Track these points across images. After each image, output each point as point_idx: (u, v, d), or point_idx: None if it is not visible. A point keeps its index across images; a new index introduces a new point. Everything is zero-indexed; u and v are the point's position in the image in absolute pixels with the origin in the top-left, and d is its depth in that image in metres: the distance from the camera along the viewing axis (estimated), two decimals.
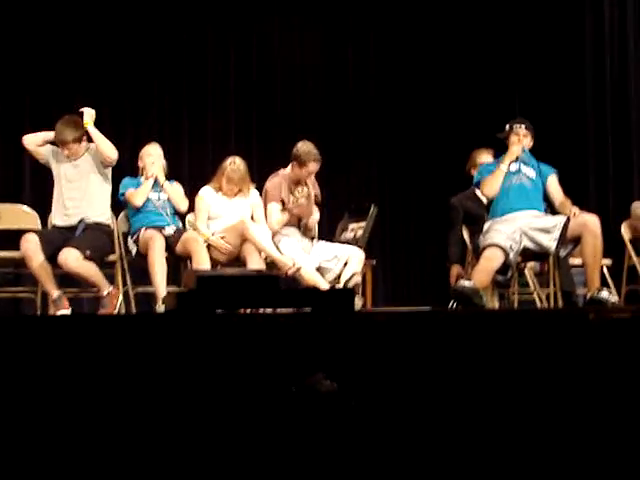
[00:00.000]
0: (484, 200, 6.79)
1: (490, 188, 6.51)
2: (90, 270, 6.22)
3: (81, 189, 6.45)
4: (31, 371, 3.82)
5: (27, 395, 3.76)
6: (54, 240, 6.28)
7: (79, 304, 7.25)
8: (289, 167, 6.94)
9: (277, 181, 6.87)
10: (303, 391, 3.85)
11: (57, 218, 6.45)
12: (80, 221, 6.38)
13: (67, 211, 6.43)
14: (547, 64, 9.38)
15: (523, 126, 6.68)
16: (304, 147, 6.83)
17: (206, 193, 6.89)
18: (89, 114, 6.52)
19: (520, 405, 4.28)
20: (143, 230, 6.51)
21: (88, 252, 6.23)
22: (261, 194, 6.98)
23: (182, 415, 3.82)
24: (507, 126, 6.74)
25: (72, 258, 6.14)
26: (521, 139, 6.64)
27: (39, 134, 6.55)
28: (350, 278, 6.68)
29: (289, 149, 7.33)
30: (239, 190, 6.90)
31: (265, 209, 6.88)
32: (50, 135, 6.52)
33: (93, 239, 6.33)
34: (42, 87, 8.54)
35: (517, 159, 6.55)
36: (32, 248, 6.16)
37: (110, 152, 6.48)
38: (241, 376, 3.98)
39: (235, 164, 6.89)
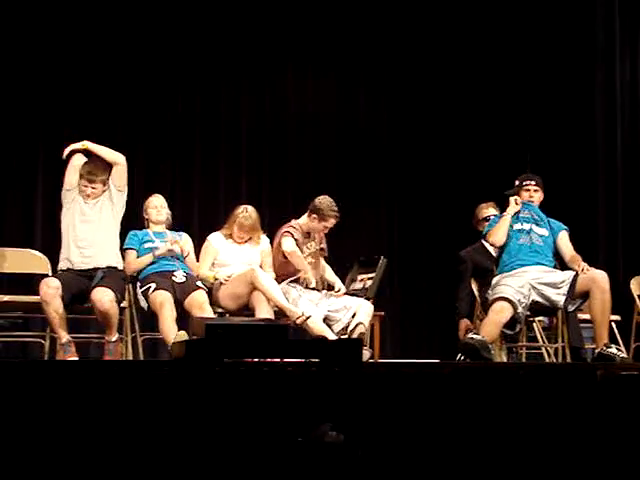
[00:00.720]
0: (493, 253, 6.79)
1: (495, 236, 6.54)
2: (116, 313, 6.25)
3: (94, 229, 6.44)
4: (40, 415, 3.82)
5: (37, 440, 3.76)
6: (71, 286, 6.27)
7: (85, 350, 7.23)
8: (303, 218, 6.95)
9: (290, 231, 6.87)
10: (309, 442, 3.84)
11: (72, 257, 6.42)
12: (96, 268, 6.36)
13: (82, 252, 6.41)
14: (559, 122, 9.43)
15: (533, 182, 6.72)
16: (326, 202, 6.90)
17: (214, 239, 6.93)
18: (79, 143, 6.57)
19: (526, 459, 4.26)
20: (153, 287, 6.47)
21: (119, 296, 6.29)
22: (271, 243, 7.00)
23: (189, 463, 3.81)
24: (516, 182, 6.79)
25: (107, 298, 6.15)
26: (532, 194, 6.67)
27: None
28: (355, 327, 6.66)
29: (300, 199, 7.32)
30: (249, 238, 6.93)
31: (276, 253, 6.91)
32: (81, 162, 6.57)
33: (115, 283, 6.34)
34: (55, 139, 8.59)
35: (529, 218, 6.56)
36: (51, 293, 6.16)
37: (117, 157, 6.53)
38: (248, 425, 3.97)
39: (247, 212, 6.94)
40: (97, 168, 6.48)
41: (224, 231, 6.96)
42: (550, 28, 9.51)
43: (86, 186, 6.44)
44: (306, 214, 6.98)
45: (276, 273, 6.85)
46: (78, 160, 6.55)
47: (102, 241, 6.45)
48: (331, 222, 6.90)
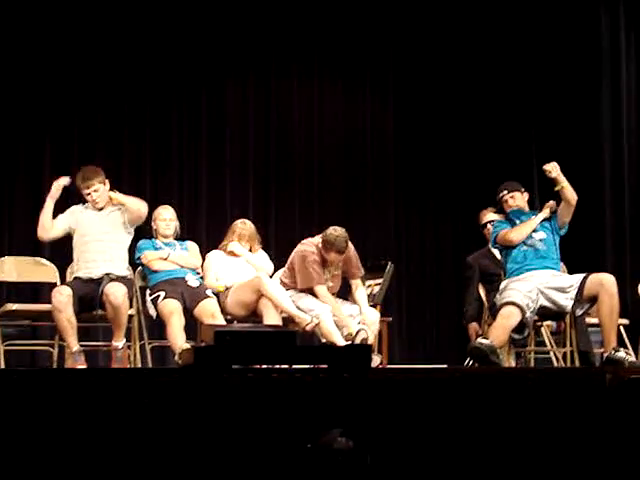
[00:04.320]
0: (500, 258, 6.78)
1: (518, 234, 6.39)
2: (127, 311, 6.25)
3: (104, 242, 6.44)
4: (49, 424, 3.83)
5: (47, 448, 3.76)
6: (80, 293, 6.26)
7: (93, 358, 7.23)
8: (318, 238, 6.81)
9: (315, 259, 6.68)
10: (318, 448, 3.84)
11: (80, 271, 6.42)
12: (105, 275, 6.35)
13: (89, 264, 6.41)
14: (564, 126, 9.43)
15: (505, 191, 6.59)
16: (333, 234, 6.63)
17: (213, 255, 6.99)
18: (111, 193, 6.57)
19: (536, 464, 4.26)
20: (162, 295, 6.49)
21: (131, 293, 6.34)
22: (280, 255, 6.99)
23: (198, 470, 3.82)
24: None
25: (121, 293, 6.16)
26: (510, 203, 6.56)
27: (42, 217, 6.45)
28: (357, 333, 6.56)
29: (307, 203, 7.20)
30: (250, 248, 6.99)
31: (302, 275, 6.81)
32: (49, 210, 6.44)
33: (126, 285, 6.32)
34: (63, 149, 8.66)
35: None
36: (64, 301, 6.15)
37: (140, 206, 6.52)
38: (257, 432, 3.98)
39: (245, 224, 7.10)
40: (88, 171, 6.49)
41: (224, 244, 7.01)
42: (555, 32, 9.52)
43: (88, 194, 6.44)
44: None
45: (295, 286, 6.79)
46: (44, 232, 6.47)
47: (111, 253, 6.45)
48: (332, 256, 6.66)
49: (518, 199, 6.59)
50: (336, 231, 6.65)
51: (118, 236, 6.49)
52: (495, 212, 7.11)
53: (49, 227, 6.49)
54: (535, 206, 7.60)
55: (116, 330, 6.24)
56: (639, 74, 9.36)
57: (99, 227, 6.44)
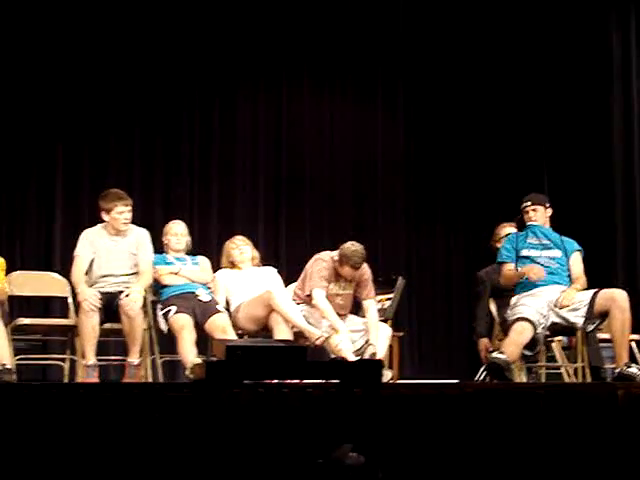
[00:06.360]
0: None
1: (508, 281, 6.48)
2: (142, 324, 6.23)
3: (122, 276, 6.46)
4: (61, 438, 3.84)
5: (59, 463, 3.77)
6: (102, 301, 6.26)
7: (104, 373, 7.23)
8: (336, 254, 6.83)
9: (324, 266, 6.69)
10: (330, 463, 3.84)
11: (96, 286, 6.42)
12: (121, 292, 6.35)
13: (104, 281, 6.42)
14: (576, 141, 9.44)
15: (529, 202, 6.59)
16: (350, 248, 6.61)
17: (220, 274, 7.00)
18: None
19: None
20: (173, 310, 6.49)
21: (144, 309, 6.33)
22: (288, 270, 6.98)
23: None
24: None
25: (138, 304, 6.16)
26: (531, 215, 6.52)
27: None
28: (365, 348, 6.54)
29: (317, 223, 7.16)
30: (252, 260, 7.05)
31: (303, 286, 6.81)
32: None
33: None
34: (74, 162, 8.69)
35: (537, 245, 6.47)
36: (95, 307, 6.12)
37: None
38: (268, 447, 3.98)
39: (235, 237, 7.15)
40: (123, 193, 6.54)
41: (225, 264, 7.03)
42: (566, 48, 9.54)
43: (121, 212, 6.45)
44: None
45: (307, 299, 6.78)
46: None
47: (126, 273, 6.47)
48: (347, 270, 6.64)
49: (540, 213, 6.56)
50: (353, 245, 6.63)
51: (134, 263, 6.51)
52: (515, 225, 7.03)
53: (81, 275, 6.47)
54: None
55: (132, 345, 6.20)
56: None
57: (118, 260, 6.45)
